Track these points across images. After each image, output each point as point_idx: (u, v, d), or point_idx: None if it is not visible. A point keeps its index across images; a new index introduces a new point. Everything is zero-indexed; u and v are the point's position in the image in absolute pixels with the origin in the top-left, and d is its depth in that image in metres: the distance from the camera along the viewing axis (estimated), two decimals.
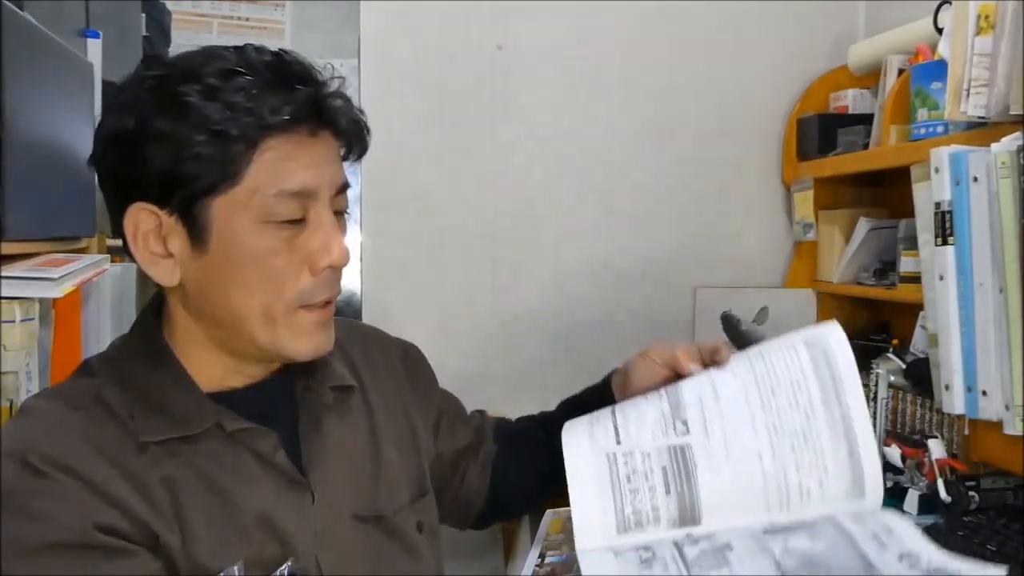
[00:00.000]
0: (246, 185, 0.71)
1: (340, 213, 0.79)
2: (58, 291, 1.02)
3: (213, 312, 0.76)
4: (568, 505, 0.79)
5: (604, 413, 0.85)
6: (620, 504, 0.77)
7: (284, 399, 0.83)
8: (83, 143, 1.30)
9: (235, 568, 0.73)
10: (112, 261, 1.39)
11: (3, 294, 0.96)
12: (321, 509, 0.80)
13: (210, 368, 0.79)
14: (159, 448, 0.73)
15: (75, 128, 1.25)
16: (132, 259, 0.76)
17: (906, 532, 0.71)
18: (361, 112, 0.79)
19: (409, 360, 1.02)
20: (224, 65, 0.71)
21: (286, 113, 0.71)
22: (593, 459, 0.79)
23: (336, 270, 0.77)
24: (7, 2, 0.96)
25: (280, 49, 0.75)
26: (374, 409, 0.91)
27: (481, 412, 1.11)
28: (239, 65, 0.71)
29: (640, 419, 0.81)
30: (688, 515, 0.77)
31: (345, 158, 0.80)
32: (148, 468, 0.72)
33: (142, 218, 0.73)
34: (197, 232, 0.73)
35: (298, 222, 0.74)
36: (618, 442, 0.80)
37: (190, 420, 0.75)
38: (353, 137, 0.79)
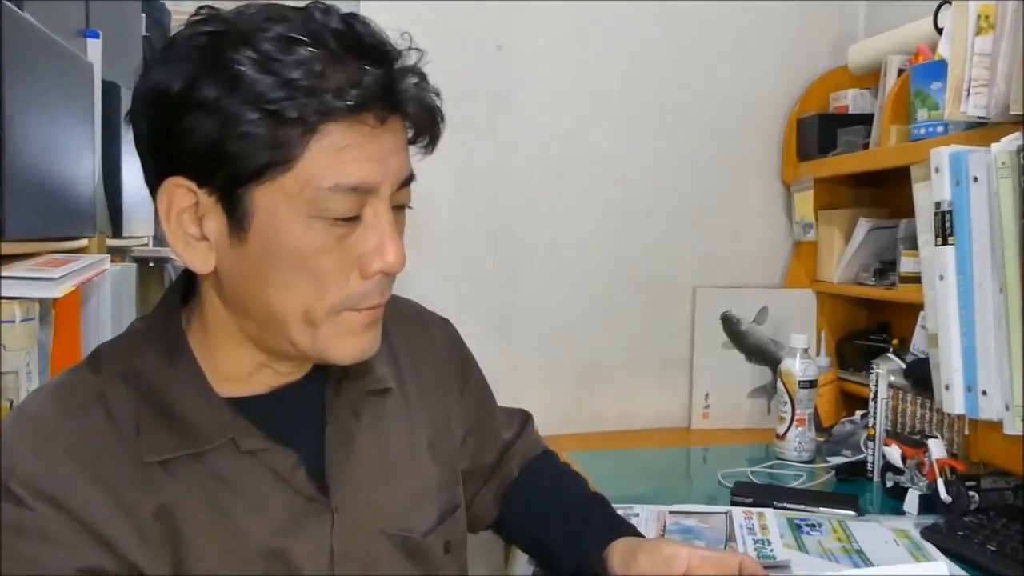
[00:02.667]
0: (298, 174, 0.63)
1: (401, 207, 0.71)
2: (58, 291, 1.02)
3: (247, 306, 0.68)
4: None
5: None
6: None
7: (311, 404, 0.76)
8: (83, 143, 1.30)
9: None
10: (112, 261, 1.39)
11: (3, 294, 0.96)
12: (342, 530, 0.74)
13: (237, 363, 0.72)
14: (161, 467, 0.67)
15: (75, 128, 1.25)
16: (165, 237, 0.68)
17: None
18: (437, 95, 0.70)
19: (455, 351, 0.95)
20: (285, 31, 0.62)
21: (351, 98, 0.62)
22: None
23: (389, 275, 0.69)
24: (7, 2, 0.95)
25: (349, 13, 0.66)
26: (412, 407, 0.84)
27: (522, 426, 1.04)
28: (302, 33, 0.62)
29: None
30: None
31: (413, 142, 0.71)
32: (143, 494, 0.65)
33: (177, 195, 0.66)
34: (237, 218, 0.65)
35: (352, 219, 0.66)
36: None
37: (202, 433, 0.68)
38: (425, 125, 0.69)
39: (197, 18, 0.66)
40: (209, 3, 0.69)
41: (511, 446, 1.02)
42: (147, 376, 0.69)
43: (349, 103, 0.62)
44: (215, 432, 0.69)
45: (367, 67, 0.64)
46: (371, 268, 0.67)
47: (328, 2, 0.67)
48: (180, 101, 0.63)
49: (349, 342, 0.69)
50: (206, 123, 0.62)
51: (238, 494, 0.69)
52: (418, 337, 0.91)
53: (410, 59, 0.68)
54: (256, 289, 0.67)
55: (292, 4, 0.67)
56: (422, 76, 0.69)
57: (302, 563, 0.71)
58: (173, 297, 0.74)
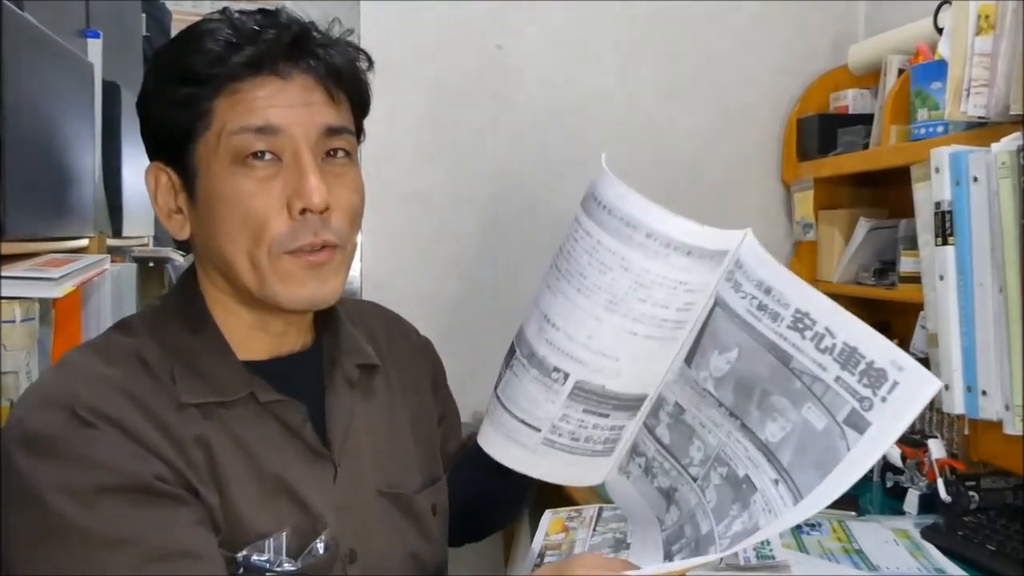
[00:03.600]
0: (215, 128, 0.73)
1: (334, 154, 0.77)
2: (58, 291, 1.02)
3: (214, 263, 0.78)
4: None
5: (499, 414, 0.84)
6: (592, 450, 0.81)
7: (312, 373, 0.85)
8: (83, 143, 1.30)
9: (283, 532, 0.75)
10: (112, 261, 1.39)
11: (3, 294, 0.96)
12: (343, 482, 0.81)
13: (238, 329, 0.80)
14: (196, 410, 0.74)
15: (75, 128, 1.25)
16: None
17: (779, 282, 0.69)
18: (353, 61, 0.79)
19: (429, 352, 1.04)
20: (215, 26, 0.75)
21: (250, 53, 0.73)
22: (543, 458, 0.81)
23: (319, 214, 0.75)
24: (7, 2, 0.95)
25: (278, 7, 0.77)
26: (394, 392, 0.92)
27: (471, 435, 1.11)
28: (228, 26, 0.74)
29: (531, 399, 0.80)
30: (635, 405, 0.79)
31: (353, 107, 0.80)
32: (184, 426, 0.73)
33: (156, 175, 0.78)
34: (189, 184, 0.76)
35: (274, 163, 0.74)
36: (538, 429, 0.80)
37: (227, 386, 0.76)
38: (333, 81, 0.77)
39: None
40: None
41: (465, 444, 1.09)
42: (175, 342, 0.78)
43: (248, 57, 0.72)
44: (238, 385, 0.77)
45: (272, 37, 0.74)
46: (295, 207, 0.74)
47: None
48: (142, 99, 0.78)
49: (293, 287, 0.76)
50: (154, 106, 0.76)
51: (260, 441, 0.77)
52: (396, 335, 0.99)
53: (334, 32, 0.78)
54: (213, 243, 0.76)
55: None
56: (335, 42, 0.78)
57: (317, 509, 0.78)
58: (191, 275, 0.83)
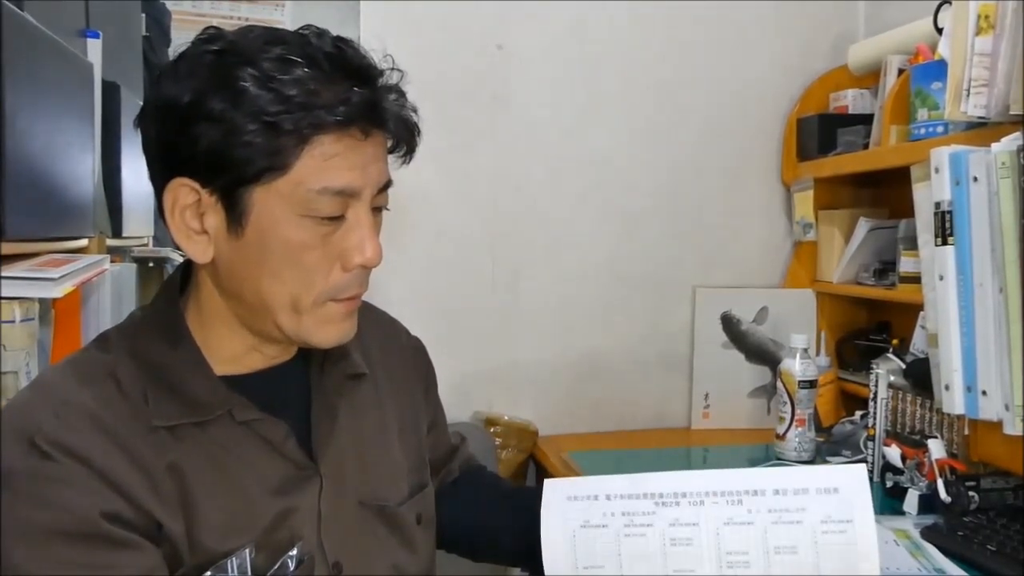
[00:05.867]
0: (291, 178, 0.71)
1: (379, 209, 0.80)
2: (58, 291, 1.02)
3: (241, 293, 0.76)
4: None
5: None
6: None
7: (298, 383, 0.84)
8: (83, 143, 1.30)
9: (246, 551, 0.73)
10: (112, 261, 1.39)
11: (3, 294, 0.96)
12: (328, 495, 0.81)
13: (230, 345, 0.79)
14: (169, 432, 0.73)
15: (75, 128, 1.25)
16: (167, 234, 0.76)
17: None
18: (414, 111, 0.78)
19: (420, 356, 1.04)
20: (283, 52, 0.70)
21: (340, 114, 0.70)
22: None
23: (367, 268, 0.78)
24: (7, 2, 0.96)
25: (339, 37, 0.74)
26: (383, 398, 0.92)
27: (463, 438, 1.13)
28: (298, 55, 0.70)
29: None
30: None
31: (392, 151, 0.79)
32: (155, 453, 0.72)
33: (182, 193, 0.73)
34: (235, 215, 0.72)
35: (336, 219, 0.74)
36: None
37: (203, 405, 0.75)
38: (403, 138, 0.78)
39: (204, 36, 0.74)
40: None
41: (456, 450, 1.10)
42: (151, 356, 0.77)
43: (338, 118, 0.70)
44: (214, 404, 0.76)
45: (355, 87, 0.72)
46: (352, 262, 0.76)
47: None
48: (189, 112, 0.70)
49: (329, 329, 0.78)
50: (212, 132, 0.70)
51: (238, 459, 0.76)
52: (388, 338, 0.99)
53: (392, 79, 0.76)
54: (250, 278, 0.75)
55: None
56: (401, 94, 0.77)
57: (299, 523, 0.78)
58: (172, 287, 0.82)
